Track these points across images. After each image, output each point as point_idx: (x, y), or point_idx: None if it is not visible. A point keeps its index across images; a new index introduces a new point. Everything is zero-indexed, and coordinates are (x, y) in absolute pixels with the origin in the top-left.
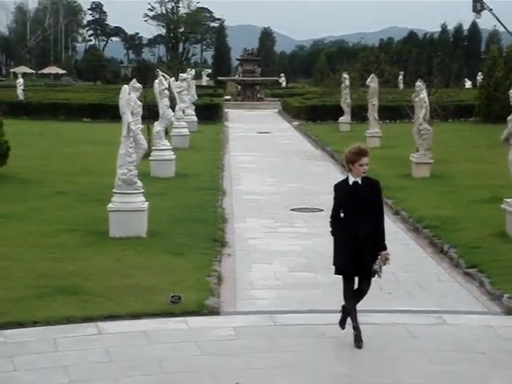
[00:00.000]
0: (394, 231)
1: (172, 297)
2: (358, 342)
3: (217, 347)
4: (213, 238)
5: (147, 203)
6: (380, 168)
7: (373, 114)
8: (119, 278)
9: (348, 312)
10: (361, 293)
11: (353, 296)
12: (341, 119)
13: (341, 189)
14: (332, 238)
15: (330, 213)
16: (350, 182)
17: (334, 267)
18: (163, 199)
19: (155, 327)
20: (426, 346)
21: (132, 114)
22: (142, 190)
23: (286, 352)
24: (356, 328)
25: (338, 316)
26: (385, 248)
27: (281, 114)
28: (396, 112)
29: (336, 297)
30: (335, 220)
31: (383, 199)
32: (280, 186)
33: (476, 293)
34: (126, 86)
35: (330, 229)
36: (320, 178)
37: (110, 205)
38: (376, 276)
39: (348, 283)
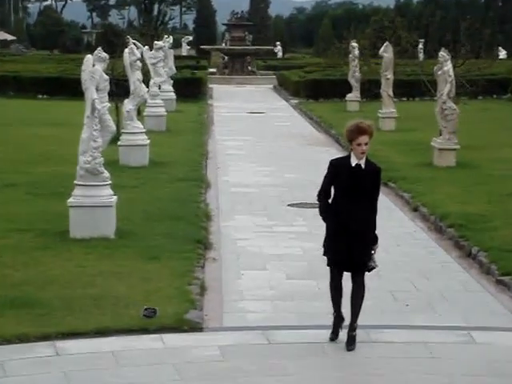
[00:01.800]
0: (411, 231)
1: (145, 310)
2: (332, 333)
3: (199, 370)
4: (195, 238)
5: (116, 197)
6: (395, 155)
7: (387, 90)
8: (82, 288)
9: (332, 302)
10: (357, 290)
11: (338, 293)
12: (348, 96)
13: (339, 168)
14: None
15: (318, 190)
16: (353, 164)
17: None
18: (135, 192)
19: (125, 346)
20: (450, 370)
21: (97, 89)
22: (110, 182)
23: (283, 376)
24: (335, 317)
25: (344, 333)
26: (376, 241)
27: (276, 91)
28: (415, 88)
29: (343, 309)
30: (324, 201)
31: (392, 193)
32: (275, 177)
33: (511, 305)
34: (89, 55)
35: (319, 209)
36: (323, 167)
37: (70, 199)
38: (368, 271)
39: (334, 275)
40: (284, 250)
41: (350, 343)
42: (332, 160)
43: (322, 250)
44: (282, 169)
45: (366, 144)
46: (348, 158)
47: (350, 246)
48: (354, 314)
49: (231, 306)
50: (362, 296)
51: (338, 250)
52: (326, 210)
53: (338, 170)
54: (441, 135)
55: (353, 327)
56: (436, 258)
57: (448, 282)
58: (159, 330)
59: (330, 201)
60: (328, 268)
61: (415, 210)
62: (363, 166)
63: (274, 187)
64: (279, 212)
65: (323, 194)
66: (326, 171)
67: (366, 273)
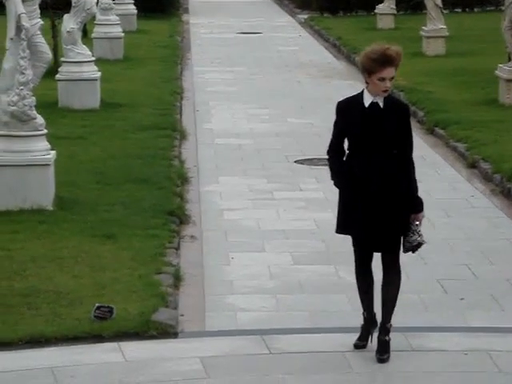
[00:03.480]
0: (467, 196)
1: (97, 309)
2: (359, 337)
3: None
4: (165, 209)
5: (54, 153)
6: (445, 90)
7: None
8: (6, 280)
9: (359, 297)
10: (388, 284)
11: (369, 284)
12: (379, 8)
13: (348, 110)
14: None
15: (328, 147)
16: (366, 103)
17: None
18: (81, 146)
19: (69, 361)
20: None
21: (24, 0)
22: (45, 131)
23: None
24: (365, 319)
25: (374, 338)
26: (421, 207)
27: (278, 1)
28: None
29: (376, 307)
30: (335, 159)
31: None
32: (277, 123)
33: None
34: None
35: (330, 172)
36: None
37: None
38: (412, 252)
39: (361, 259)
40: (290, 223)
41: (383, 352)
42: (340, 101)
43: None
44: (286, 112)
45: (391, 79)
46: (360, 95)
47: (373, 215)
48: (386, 311)
49: (216, 302)
50: (398, 287)
51: (358, 222)
52: (339, 171)
53: (348, 114)
54: (510, 61)
55: (385, 330)
56: (503, 233)
57: None
58: (117, 338)
59: (344, 158)
60: (352, 248)
61: (473, 166)
62: (381, 104)
63: (276, 137)
64: (283, 171)
65: (333, 149)
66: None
67: (410, 253)
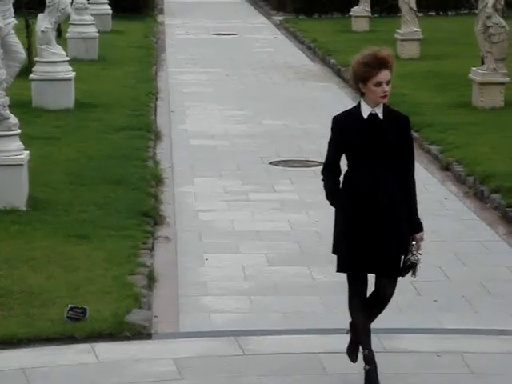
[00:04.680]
0: (441, 197)
1: (70, 310)
2: (372, 382)
3: None
4: (140, 210)
5: (27, 153)
6: (419, 93)
7: (408, 0)
8: None
9: (357, 332)
10: (381, 301)
11: (365, 307)
12: (354, 10)
13: (346, 124)
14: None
15: (322, 166)
16: (365, 115)
17: (335, 258)
18: (55, 146)
19: (42, 362)
20: None
21: None
22: (19, 131)
23: None
24: (368, 359)
25: (346, 339)
26: (421, 228)
27: (253, 2)
28: None
29: (344, 306)
30: (331, 178)
31: (414, 145)
32: (253, 125)
33: None
34: None
35: (325, 192)
36: (319, 109)
37: None
38: (411, 274)
39: (356, 285)
40: (264, 225)
41: (370, 380)
42: (336, 116)
43: (332, 247)
44: (261, 113)
45: (387, 83)
46: (357, 108)
47: (376, 232)
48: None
49: (190, 303)
50: (380, 311)
51: (358, 241)
52: (335, 190)
53: (346, 129)
54: (483, 64)
55: (365, 357)
56: (476, 235)
57: (492, 269)
58: (90, 338)
59: (340, 178)
60: (334, 256)
61: (447, 168)
62: (380, 115)
63: (251, 139)
64: (258, 173)
65: (329, 167)
66: (329, 136)
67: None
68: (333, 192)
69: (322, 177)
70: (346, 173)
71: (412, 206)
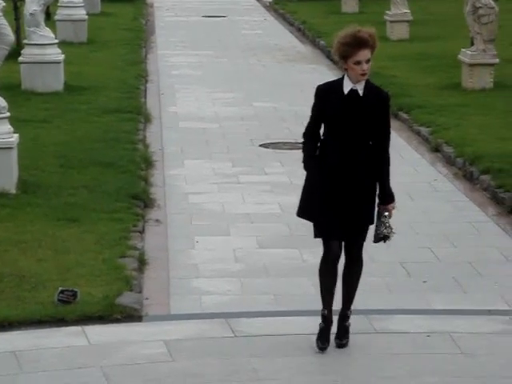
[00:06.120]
0: (431, 179)
1: (61, 293)
2: (322, 340)
3: (137, 376)
4: (130, 193)
5: (16, 136)
6: (409, 74)
7: None
8: None
9: (321, 292)
10: (351, 273)
11: (334, 272)
12: None
13: (328, 95)
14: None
15: (304, 130)
16: (346, 90)
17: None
18: (45, 129)
19: (32, 345)
20: (485, 370)
21: None
22: (8, 114)
23: (253, 381)
24: (325, 318)
25: (335, 320)
26: (393, 198)
27: None
28: None
29: (338, 287)
30: (310, 142)
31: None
32: (242, 107)
33: None
34: None
35: (303, 155)
36: (308, 92)
37: None
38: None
39: (328, 249)
40: (255, 207)
41: (342, 337)
42: (319, 85)
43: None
44: (251, 95)
45: (367, 61)
46: (340, 81)
47: (338, 202)
48: (347, 300)
49: (181, 285)
50: (359, 275)
51: (319, 208)
52: (311, 155)
53: (327, 99)
54: (473, 45)
55: (345, 315)
56: (465, 216)
57: (482, 250)
58: (81, 321)
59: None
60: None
61: (436, 149)
62: (361, 91)
63: (241, 121)
64: (248, 155)
65: (308, 133)
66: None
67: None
68: (307, 158)
69: (302, 140)
70: (321, 141)
71: (385, 179)
